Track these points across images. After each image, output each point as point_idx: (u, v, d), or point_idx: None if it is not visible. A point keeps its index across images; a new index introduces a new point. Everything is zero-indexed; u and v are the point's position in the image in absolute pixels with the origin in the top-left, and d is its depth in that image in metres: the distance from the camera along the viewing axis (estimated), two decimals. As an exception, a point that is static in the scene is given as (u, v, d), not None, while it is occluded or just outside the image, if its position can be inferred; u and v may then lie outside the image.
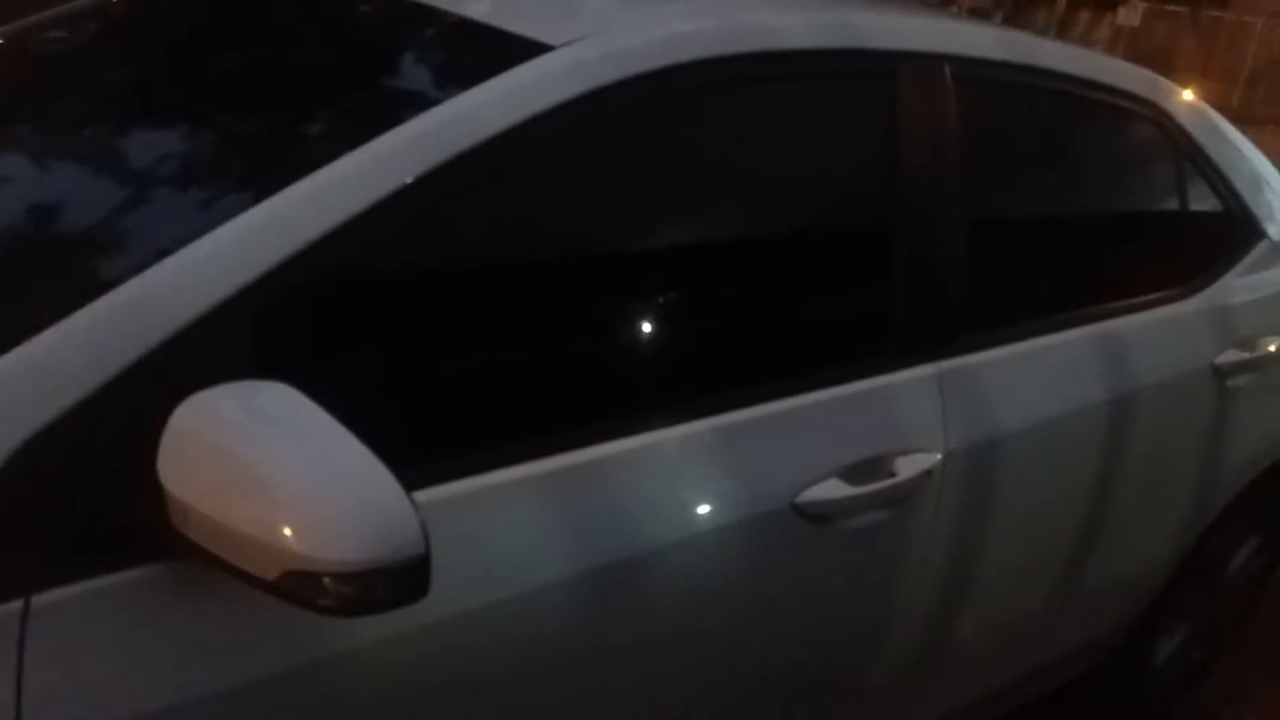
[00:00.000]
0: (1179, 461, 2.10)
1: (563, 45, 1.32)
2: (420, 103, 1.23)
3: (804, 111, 1.58)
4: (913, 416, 1.55)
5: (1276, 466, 2.35)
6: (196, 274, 1.01)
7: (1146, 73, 2.11)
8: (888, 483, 1.49)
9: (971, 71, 1.70)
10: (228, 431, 0.89)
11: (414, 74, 1.49)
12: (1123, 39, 16.04)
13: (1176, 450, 2.08)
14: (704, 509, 1.34)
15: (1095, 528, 1.96)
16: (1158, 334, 1.99)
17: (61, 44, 1.79)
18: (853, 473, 1.46)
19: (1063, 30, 15.95)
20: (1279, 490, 2.47)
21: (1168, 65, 17.14)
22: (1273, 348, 2.18)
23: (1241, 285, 2.17)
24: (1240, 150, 2.28)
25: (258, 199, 1.09)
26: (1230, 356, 2.09)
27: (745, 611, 1.43)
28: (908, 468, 1.51)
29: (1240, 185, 2.22)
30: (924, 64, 1.63)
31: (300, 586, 0.86)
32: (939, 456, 1.56)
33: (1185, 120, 2.12)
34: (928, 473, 1.54)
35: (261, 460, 0.87)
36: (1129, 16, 15.76)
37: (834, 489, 1.43)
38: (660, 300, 1.45)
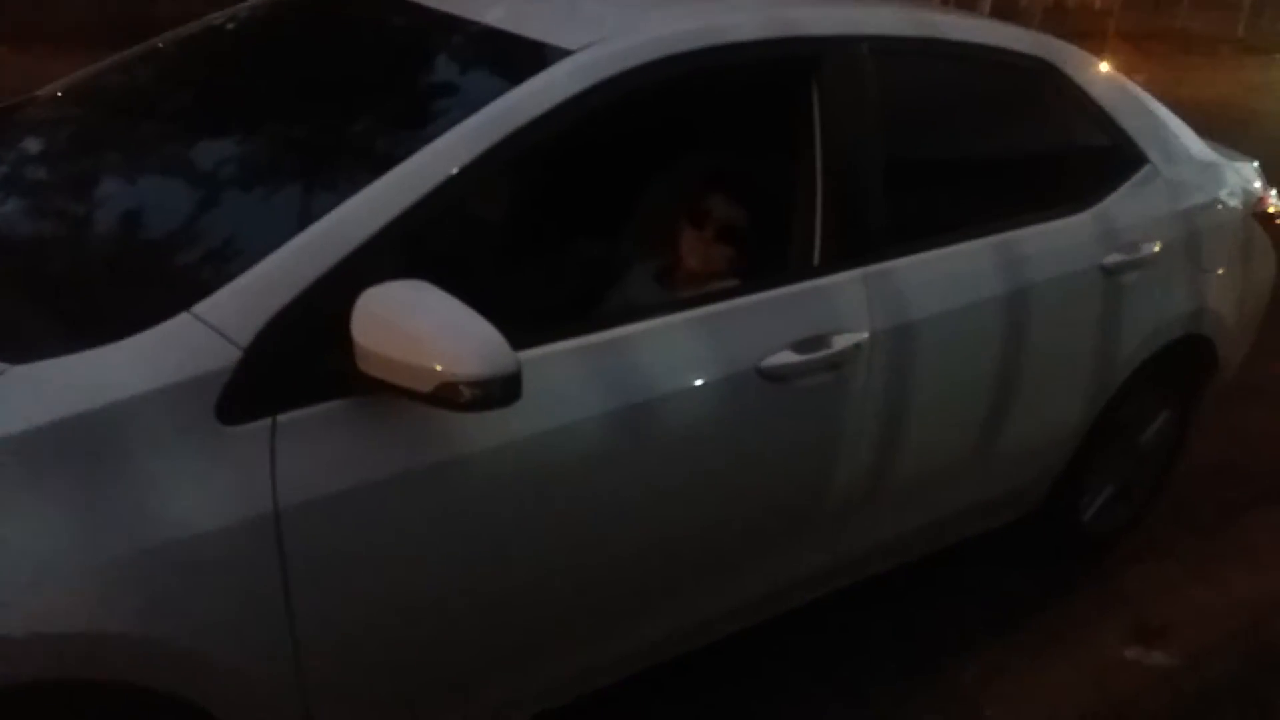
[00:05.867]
0: (1076, 342, 2.64)
1: (579, 49, 1.88)
2: (484, 97, 1.79)
3: (757, 85, 2.14)
4: (845, 306, 2.11)
5: (1167, 351, 2.87)
6: (356, 218, 1.60)
7: (1039, 35, 2.66)
8: (826, 352, 2.06)
9: (886, 46, 2.26)
10: (395, 306, 1.48)
11: (475, 78, 2.06)
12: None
13: (1073, 333, 2.63)
14: (695, 370, 1.92)
15: (1006, 394, 2.51)
16: (1053, 241, 2.53)
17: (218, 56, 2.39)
18: (801, 346, 2.03)
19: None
20: (1177, 373, 3.04)
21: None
22: (1152, 250, 2.72)
23: (1126, 201, 2.71)
24: (1127, 94, 2.81)
25: (381, 171, 1.66)
26: (1116, 258, 2.63)
27: (723, 446, 2.01)
28: (841, 342, 2.08)
29: (1125, 122, 2.75)
30: (846, 44, 2.19)
31: (447, 393, 1.44)
32: (866, 334, 2.13)
33: (1074, 73, 2.66)
34: (857, 346, 2.11)
35: (416, 321, 1.46)
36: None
37: (787, 357, 2.01)
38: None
